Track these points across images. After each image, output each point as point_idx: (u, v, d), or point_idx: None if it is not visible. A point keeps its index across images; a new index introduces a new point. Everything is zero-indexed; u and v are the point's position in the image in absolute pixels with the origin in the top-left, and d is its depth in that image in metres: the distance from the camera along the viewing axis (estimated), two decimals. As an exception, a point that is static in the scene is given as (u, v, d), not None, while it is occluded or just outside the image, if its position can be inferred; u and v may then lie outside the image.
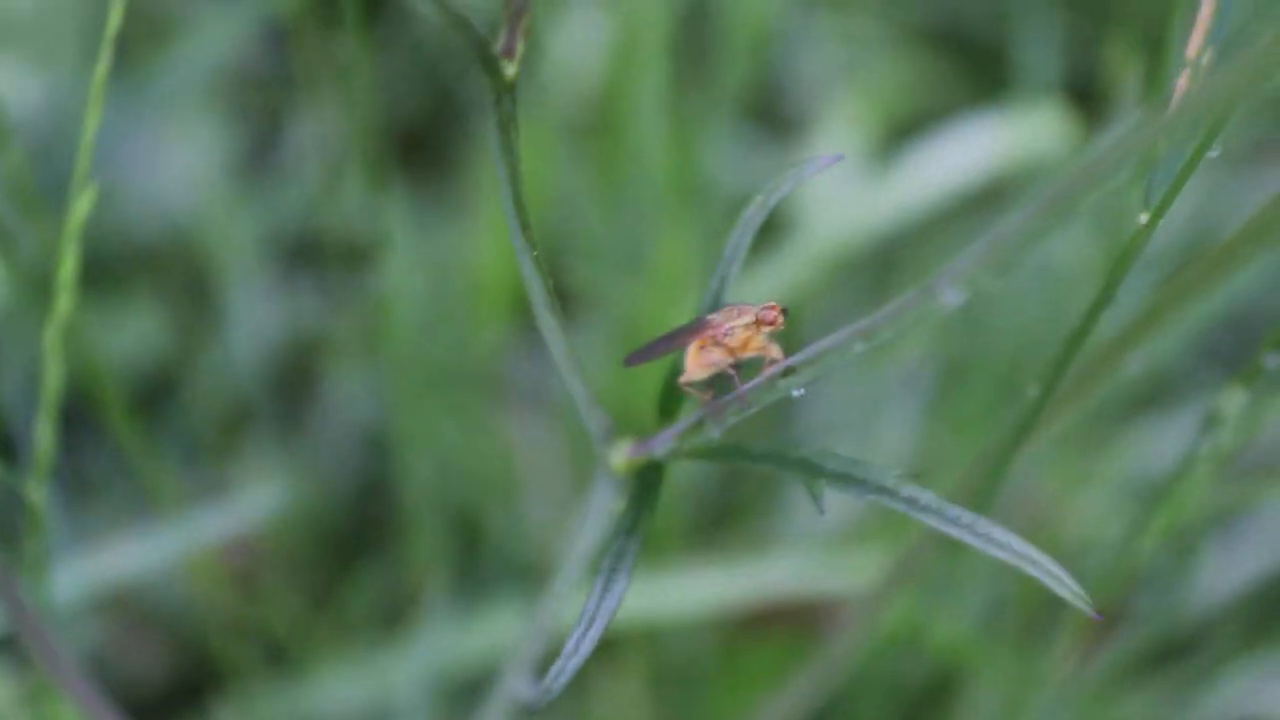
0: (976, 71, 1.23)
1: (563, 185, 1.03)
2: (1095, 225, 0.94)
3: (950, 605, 0.92)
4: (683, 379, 0.50)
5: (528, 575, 1.00)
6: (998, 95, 1.08)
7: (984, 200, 1.03)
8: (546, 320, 0.48)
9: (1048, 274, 1.02)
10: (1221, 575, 0.97)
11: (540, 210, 1.02)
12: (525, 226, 0.46)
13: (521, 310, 1.04)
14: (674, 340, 0.49)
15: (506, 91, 0.43)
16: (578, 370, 0.50)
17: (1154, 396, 1.05)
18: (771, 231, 1.04)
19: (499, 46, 0.42)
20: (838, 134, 1.07)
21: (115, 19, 0.54)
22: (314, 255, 1.11)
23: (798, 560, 0.94)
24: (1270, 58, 0.35)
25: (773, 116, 1.20)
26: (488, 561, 1.03)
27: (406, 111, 1.19)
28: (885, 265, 1.10)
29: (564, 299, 1.09)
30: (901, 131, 1.08)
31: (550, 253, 1.04)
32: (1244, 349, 1.06)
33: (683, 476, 1.00)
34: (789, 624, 0.99)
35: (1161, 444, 0.99)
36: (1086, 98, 1.05)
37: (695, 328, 0.49)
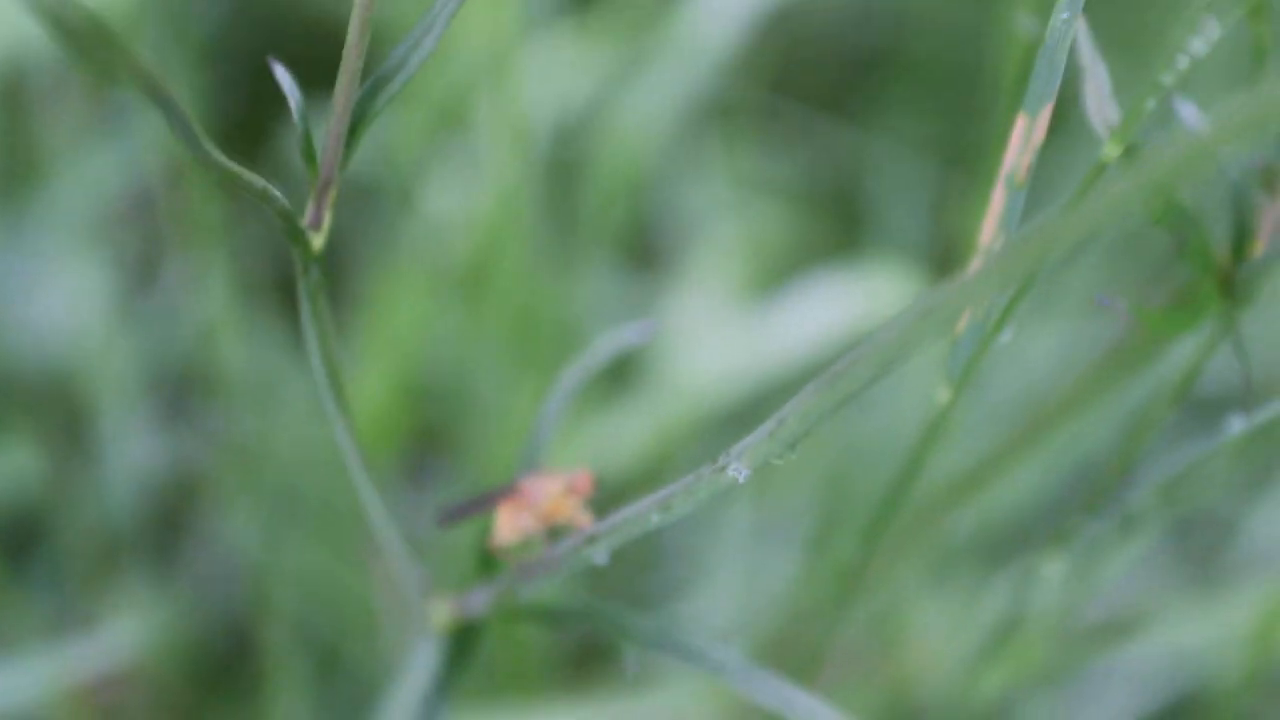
0: (849, 218, 1.25)
1: (436, 328, 1.04)
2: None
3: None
4: (493, 542, 0.50)
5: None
6: (863, 246, 1.10)
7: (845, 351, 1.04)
8: (360, 482, 0.49)
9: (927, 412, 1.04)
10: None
11: (413, 352, 1.03)
12: (338, 392, 0.47)
13: (403, 447, 1.05)
14: (485, 502, 0.50)
15: (314, 262, 0.44)
16: (390, 525, 0.51)
17: (1015, 541, 1.06)
18: (640, 375, 1.05)
19: (306, 219, 0.43)
20: (708, 281, 1.09)
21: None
22: (191, 394, 1.12)
23: (667, 700, 0.94)
24: (1045, 243, 0.36)
25: (652, 256, 1.22)
26: (350, 693, 1.02)
27: (285, 256, 1.20)
28: (755, 417, 1.11)
29: (434, 438, 1.10)
30: (775, 273, 1.10)
31: (420, 395, 1.05)
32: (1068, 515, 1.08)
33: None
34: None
35: (1016, 590, 1.00)
36: (949, 246, 1.08)
37: (506, 491, 0.50)
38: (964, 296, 0.38)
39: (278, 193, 0.42)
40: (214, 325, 1.03)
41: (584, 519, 0.48)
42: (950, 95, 1.29)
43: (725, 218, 1.18)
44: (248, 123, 1.08)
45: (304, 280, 0.44)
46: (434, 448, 1.09)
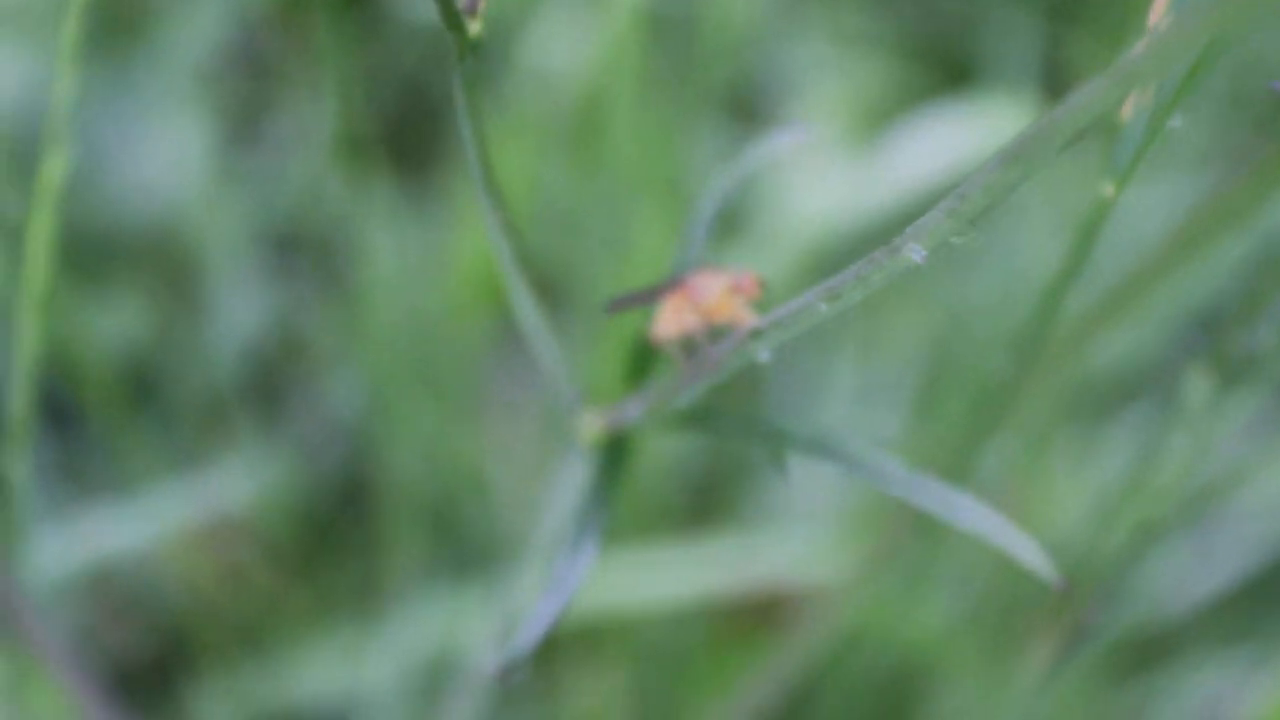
0: (955, 71, 1.23)
1: (545, 183, 1.03)
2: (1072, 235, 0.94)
3: (923, 601, 0.92)
4: (653, 334, 0.49)
5: (500, 563, 1.00)
6: (971, 92, 1.08)
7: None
8: (515, 282, 0.48)
9: (1031, 278, 1.03)
10: (1195, 575, 0.98)
11: (521, 207, 1.02)
12: (492, 188, 0.46)
13: (504, 308, 1.04)
14: (653, 294, 0.49)
15: (471, 50, 0.43)
16: (548, 337, 0.50)
17: (1128, 393, 1.05)
18: (747, 220, 1.04)
19: (463, 2, 0.42)
20: (813, 125, 1.07)
21: (73, 25, 0.54)
22: (297, 246, 1.11)
23: (785, 546, 0.94)
24: (1222, 15, 0.35)
25: (754, 113, 1.20)
26: (462, 549, 1.03)
27: (391, 106, 1.19)
28: (865, 253, 1.09)
29: (544, 292, 1.09)
30: (879, 126, 1.08)
31: (531, 248, 1.04)
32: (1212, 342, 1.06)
33: (667, 457, 1.00)
34: (777, 614, 0.99)
35: (1135, 442, 0.99)
36: (1058, 95, 1.06)
37: (673, 285, 0.48)
38: (1150, 64, 0.37)
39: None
40: (321, 181, 1.03)
41: (748, 317, 0.47)
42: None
43: (829, 74, 1.16)
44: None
45: (460, 69, 0.43)
46: (552, 296, 1.08)
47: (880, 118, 1.14)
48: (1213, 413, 0.68)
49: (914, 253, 0.41)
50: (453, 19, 0.42)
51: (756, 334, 0.46)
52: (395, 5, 1.07)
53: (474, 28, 0.43)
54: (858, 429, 1.08)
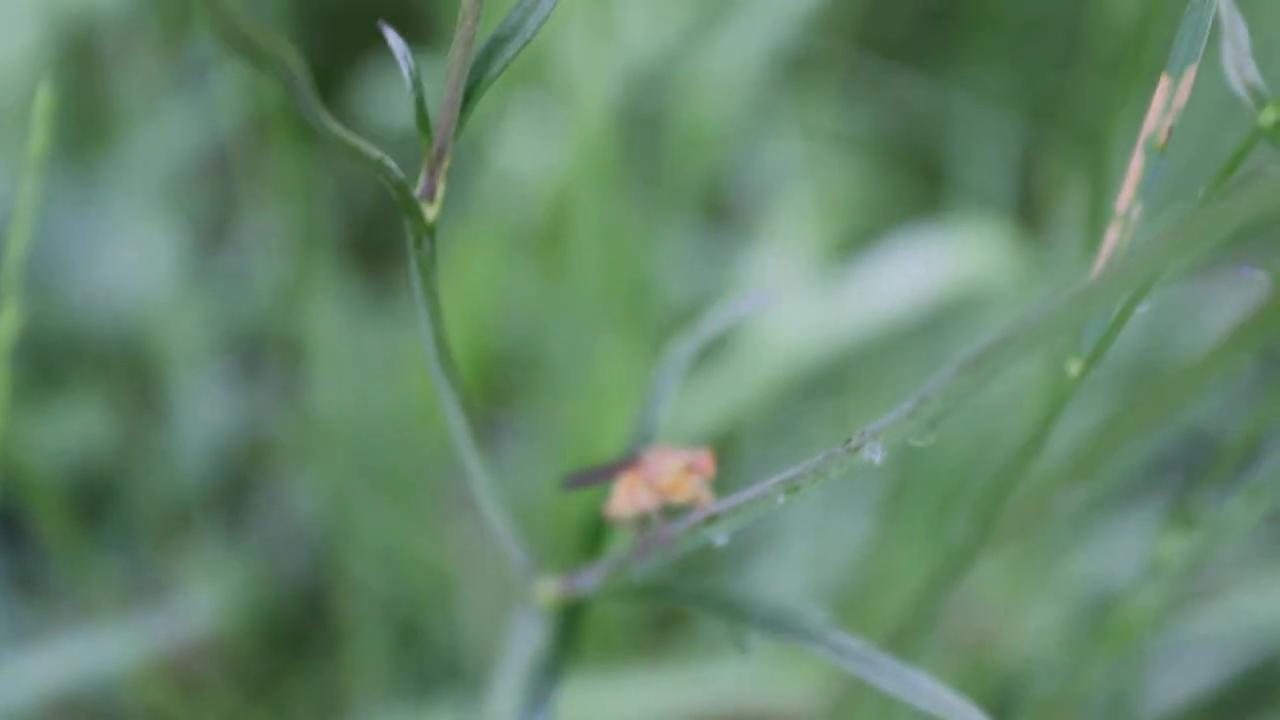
0: (929, 182, 1.23)
1: (512, 288, 1.03)
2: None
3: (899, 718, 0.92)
4: (608, 511, 0.49)
5: (466, 676, 0.99)
6: (946, 208, 1.08)
7: (933, 317, 1.03)
8: (469, 459, 0.48)
9: (1005, 382, 1.02)
10: (1174, 688, 0.97)
11: (488, 312, 1.01)
12: (446, 365, 0.45)
13: (469, 408, 1.03)
14: (607, 472, 0.48)
15: (427, 234, 0.42)
16: (499, 507, 0.50)
17: (1107, 508, 1.04)
18: (721, 342, 1.03)
19: (419, 190, 0.42)
20: (787, 243, 1.07)
21: (40, 131, 0.53)
22: (263, 351, 1.11)
23: (747, 669, 0.93)
24: (1195, 223, 0.34)
25: (727, 217, 1.20)
26: (427, 660, 1.02)
27: (359, 208, 1.19)
28: (837, 380, 1.09)
29: (506, 402, 1.09)
30: (853, 240, 1.08)
31: (495, 358, 1.04)
32: (1202, 461, 1.06)
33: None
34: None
35: (1112, 558, 0.99)
36: (1035, 211, 1.06)
37: (628, 464, 0.48)
38: (1117, 281, 0.37)
39: (393, 164, 0.41)
40: (286, 286, 1.02)
41: (706, 498, 0.47)
42: (1030, 48, 1.27)
43: (803, 175, 1.16)
44: (319, 78, 1.06)
45: (416, 252, 0.43)
46: (507, 409, 1.08)
47: (856, 218, 1.14)
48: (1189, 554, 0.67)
49: (872, 453, 0.40)
50: (410, 206, 0.42)
51: (712, 519, 0.45)
52: (365, 107, 1.06)
53: (431, 213, 0.42)
54: (828, 533, 1.07)
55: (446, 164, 0.42)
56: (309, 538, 1.07)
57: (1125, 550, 0.99)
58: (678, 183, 1.04)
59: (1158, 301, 0.99)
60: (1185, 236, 0.35)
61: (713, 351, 1.03)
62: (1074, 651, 0.72)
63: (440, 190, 0.42)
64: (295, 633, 1.05)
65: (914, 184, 1.22)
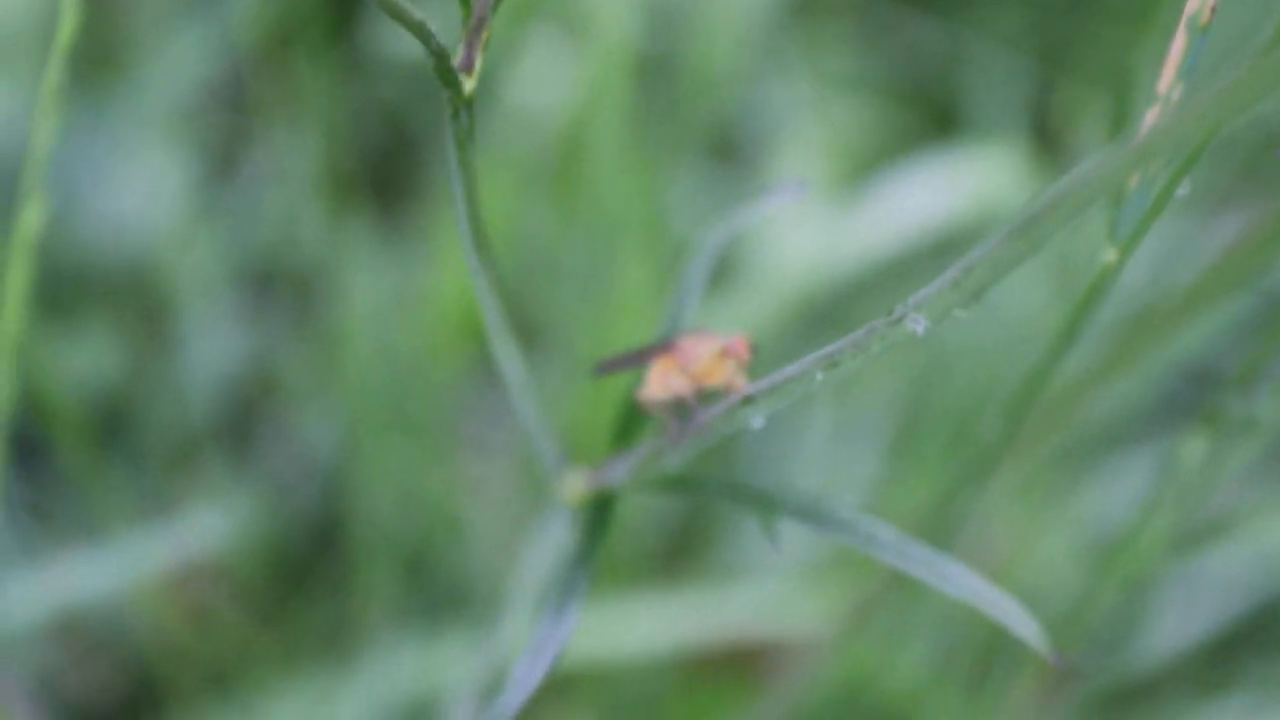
0: (941, 122, 1.22)
1: (525, 221, 1.02)
2: (1059, 276, 0.93)
3: (906, 651, 0.91)
4: (641, 395, 0.48)
5: (475, 607, 0.99)
6: (959, 137, 1.08)
7: (943, 246, 1.02)
8: (501, 341, 0.47)
9: (1011, 322, 1.02)
10: (1180, 623, 0.97)
11: (502, 245, 1.01)
12: (481, 245, 0.45)
13: (481, 346, 1.03)
14: (641, 357, 0.48)
15: (465, 106, 0.42)
16: (531, 395, 0.49)
17: (1115, 444, 1.04)
18: (731, 269, 1.03)
19: (458, 60, 0.41)
20: (800, 173, 1.06)
21: (66, 34, 0.53)
22: (273, 284, 1.10)
23: (757, 595, 0.93)
24: (1243, 92, 0.34)
25: (736, 153, 1.20)
26: (436, 593, 1.01)
27: (370, 143, 1.18)
28: (847, 312, 1.09)
29: (524, 332, 1.08)
30: (863, 171, 1.08)
31: (512, 287, 1.04)
32: (1206, 399, 1.06)
33: (643, 507, 0.99)
34: (748, 664, 0.99)
35: (1121, 491, 0.99)
36: (1046, 140, 1.05)
37: (662, 348, 0.48)
38: (1157, 144, 0.36)
39: (434, 31, 0.40)
40: (299, 217, 1.02)
41: (739, 382, 0.46)
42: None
43: (812, 116, 1.15)
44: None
45: (454, 124, 0.42)
46: (529, 336, 1.07)
47: (866, 160, 1.13)
48: (1203, 467, 0.67)
49: (915, 324, 0.40)
50: (448, 76, 0.42)
51: (748, 400, 0.45)
52: (378, 40, 1.05)
53: (469, 85, 0.42)
54: (834, 472, 1.07)
55: (485, 36, 0.42)
56: (319, 470, 1.06)
57: (1133, 488, 0.99)
58: (690, 121, 1.04)
59: (1167, 240, 0.99)
60: (1228, 100, 0.34)
61: (727, 276, 1.02)
62: (1082, 580, 0.72)
63: (478, 63, 0.42)
64: (304, 562, 1.05)
65: (926, 124, 1.21)
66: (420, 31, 0.40)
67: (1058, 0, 1.25)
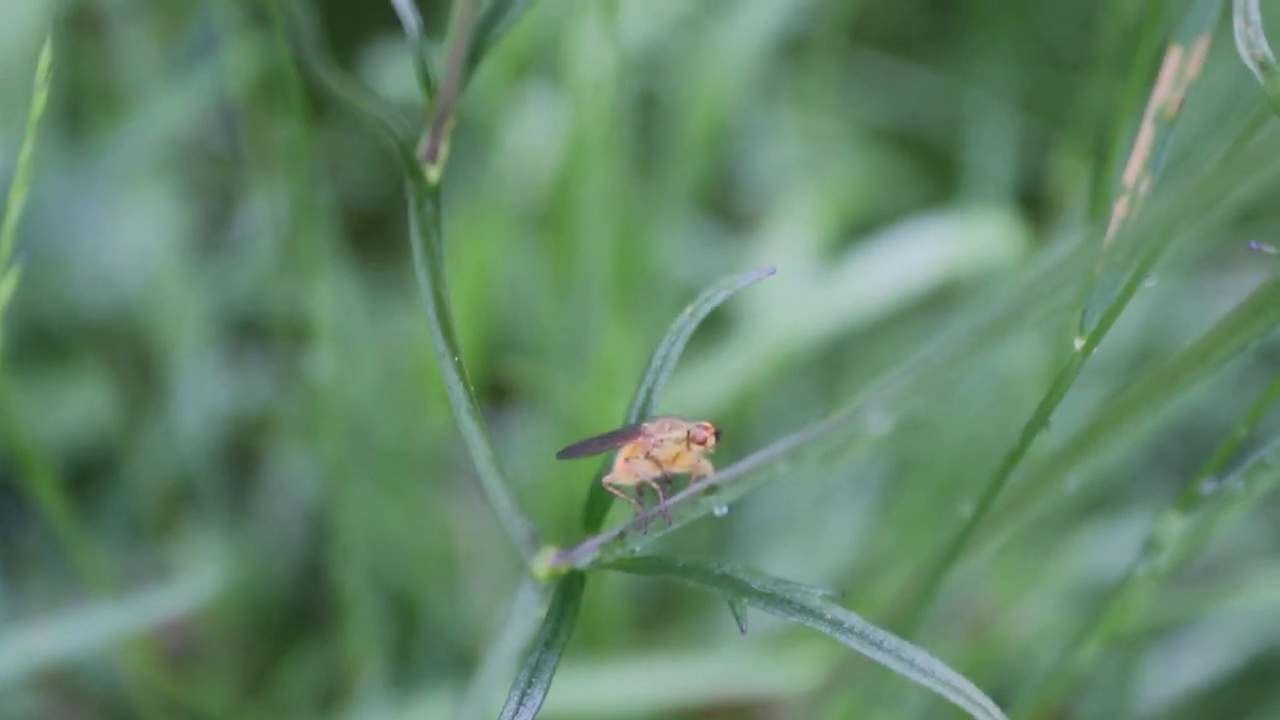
0: (932, 174, 1.22)
1: (512, 274, 1.02)
2: (1042, 329, 0.93)
3: (888, 709, 0.91)
4: (607, 479, 0.49)
5: (464, 661, 0.99)
6: (951, 199, 1.08)
7: (934, 303, 1.03)
8: (467, 426, 0.47)
9: (997, 376, 1.02)
10: (1163, 684, 0.97)
11: (488, 298, 1.01)
12: (447, 331, 0.45)
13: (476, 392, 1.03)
14: (607, 442, 0.48)
15: (429, 195, 0.42)
16: (499, 476, 0.49)
17: (1102, 502, 1.04)
18: (721, 326, 1.03)
19: (422, 150, 0.41)
20: (791, 231, 1.07)
21: (40, 100, 0.53)
22: (263, 334, 1.10)
23: (736, 659, 0.93)
24: (1205, 192, 0.34)
25: (728, 211, 1.20)
26: (425, 646, 1.01)
27: (359, 191, 1.18)
28: (835, 365, 1.09)
29: (507, 388, 1.08)
30: (855, 230, 1.08)
31: (496, 341, 1.04)
32: (1194, 456, 1.06)
33: (621, 574, 0.99)
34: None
35: (1107, 551, 0.98)
36: (1038, 204, 1.05)
37: (629, 434, 0.48)
38: (1126, 245, 0.36)
39: (395, 122, 0.40)
40: (288, 264, 1.02)
41: (704, 469, 0.46)
42: (1029, 40, 1.27)
43: (806, 167, 1.16)
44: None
45: (418, 214, 0.42)
46: (510, 392, 1.07)
47: (858, 209, 1.13)
48: (1188, 535, 0.67)
49: (876, 423, 0.40)
50: (412, 166, 0.42)
51: (712, 489, 0.45)
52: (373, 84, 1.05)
53: (433, 175, 0.42)
54: (820, 534, 1.07)
55: (449, 125, 0.42)
56: (307, 518, 1.06)
57: (1123, 546, 0.99)
58: (680, 174, 1.04)
59: (1162, 294, 0.99)
60: (1193, 202, 0.34)
61: (717, 334, 1.02)
62: (1070, 636, 0.71)
63: (443, 151, 0.42)
64: (291, 612, 1.05)
65: (918, 175, 1.21)
66: (383, 125, 0.40)
67: (1050, 51, 1.25)
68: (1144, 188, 0.44)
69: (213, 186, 1.15)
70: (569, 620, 0.49)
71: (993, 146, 1.08)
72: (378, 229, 1.17)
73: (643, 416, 0.49)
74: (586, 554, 0.50)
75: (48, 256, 1.02)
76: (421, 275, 0.44)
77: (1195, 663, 0.98)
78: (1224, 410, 1.06)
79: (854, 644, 0.47)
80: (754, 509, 1.08)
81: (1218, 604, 0.94)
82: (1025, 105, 1.21)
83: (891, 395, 0.39)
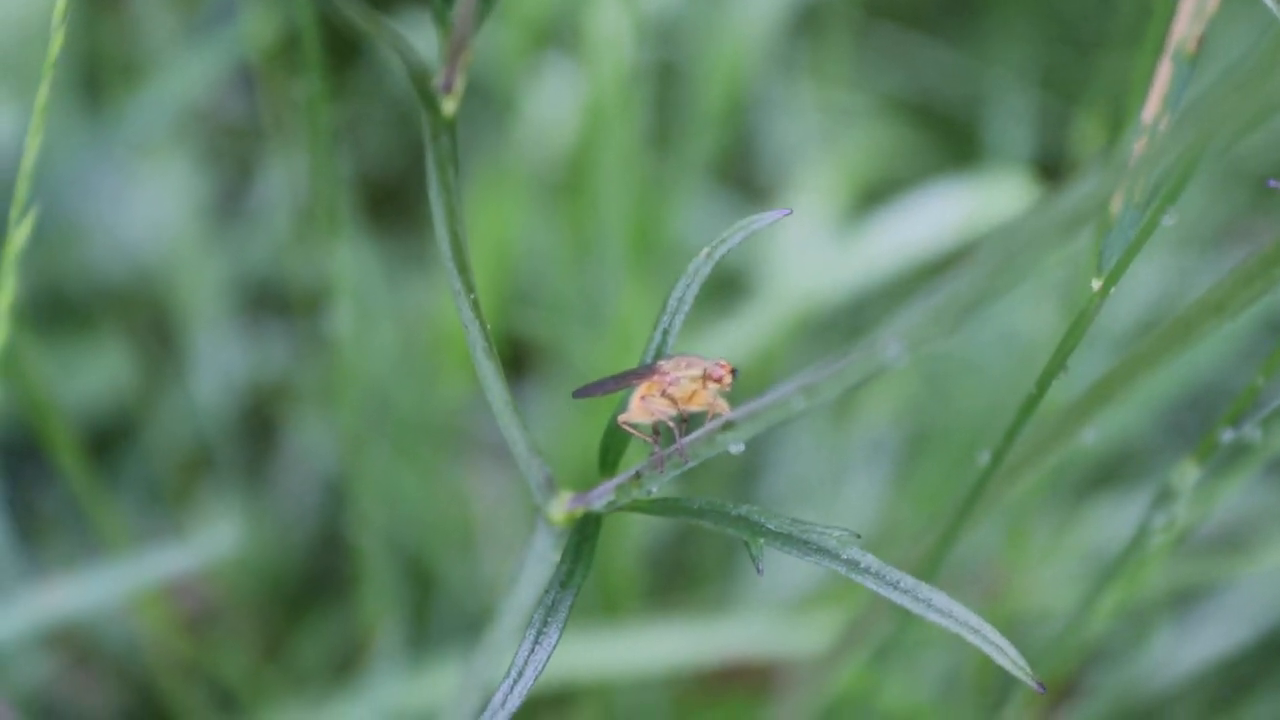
0: (948, 146, 1.22)
1: (531, 241, 1.03)
2: (1060, 296, 0.93)
3: (903, 672, 0.91)
4: (623, 418, 0.48)
5: (479, 628, 0.99)
6: (968, 170, 1.08)
7: (953, 267, 1.02)
8: (484, 365, 0.47)
9: (1013, 343, 1.02)
10: (1180, 651, 0.97)
11: (507, 264, 1.01)
12: (463, 268, 0.45)
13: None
14: (623, 380, 0.48)
15: (445, 128, 0.42)
16: (515, 418, 0.49)
17: (1116, 472, 1.04)
18: (742, 290, 1.03)
19: (438, 81, 0.41)
20: (808, 198, 1.06)
21: (55, 48, 0.53)
22: (281, 303, 1.10)
23: (754, 622, 0.93)
24: (1221, 117, 0.34)
25: (747, 182, 1.20)
26: (440, 611, 1.01)
27: (378, 162, 1.18)
28: (855, 330, 1.09)
29: (526, 351, 1.08)
30: (872, 201, 1.08)
31: (515, 304, 1.04)
32: (1208, 428, 1.06)
33: (640, 535, 0.99)
34: (743, 685, 0.98)
35: (1121, 519, 0.98)
36: (1056, 175, 1.05)
37: (645, 372, 0.47)
38: (1139, 170, 0.36)
39: (411, 54, 0.40)
40: (303, 235, 1.02)
41: (720, 407, 0.46)
42: (1046, 17, 1.27)
43: (821, 140, 1.15)
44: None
45: (433, 146, 0.42)
46: (528, 362, 1.07)
47: (875, 177, 1.13)
48: (1201, 494, 0.67)
49: (894, 355, 0.40)
50: (428, 98, 0.41)
51: (729, 426, 0.45)
52: (386, 53, 1.06)
53: (449, 107, 0.42)
54: (834, 494, 1.07)
55: (465, 57, 0.42)
56: (325, 483, 1.07)
57: (1138, 517, 0.98)
58: (698, 145, 1.04)
59: (1179, 268, 0.99)
60: (1211, 124, 0.34)
61: (738, 298, 1.02)
62: (1082, 601, 0.71)
63: (459, 84, 0.42)
64: (309, 576, 1.05)
65: (934, 147, 1.21)
66: (401, 52, 0.40)
67: (1069, 22, 1.25)
68: (1163, 126, 0.44)
69: (231, 155, 1.15)
70: (585, 561, 0.49)
71: (1010, 116, 1.08)
72: (396, 200, 1.17)
73: (659, 357, 0.49)
74: (602, 496, 0.50)
75: (67, 225, 1.02)
76: (436, 211, 0.44)
77: (1212, 634, 0.98)
78: (1238, 382, 1.05)
79: (870, 584, 0.47)
80: (770, 480, 1.08)
81: (1234, 572, 0.94)
82: (1043, 82, 1.21)
83: (910, 327, 0.39)
